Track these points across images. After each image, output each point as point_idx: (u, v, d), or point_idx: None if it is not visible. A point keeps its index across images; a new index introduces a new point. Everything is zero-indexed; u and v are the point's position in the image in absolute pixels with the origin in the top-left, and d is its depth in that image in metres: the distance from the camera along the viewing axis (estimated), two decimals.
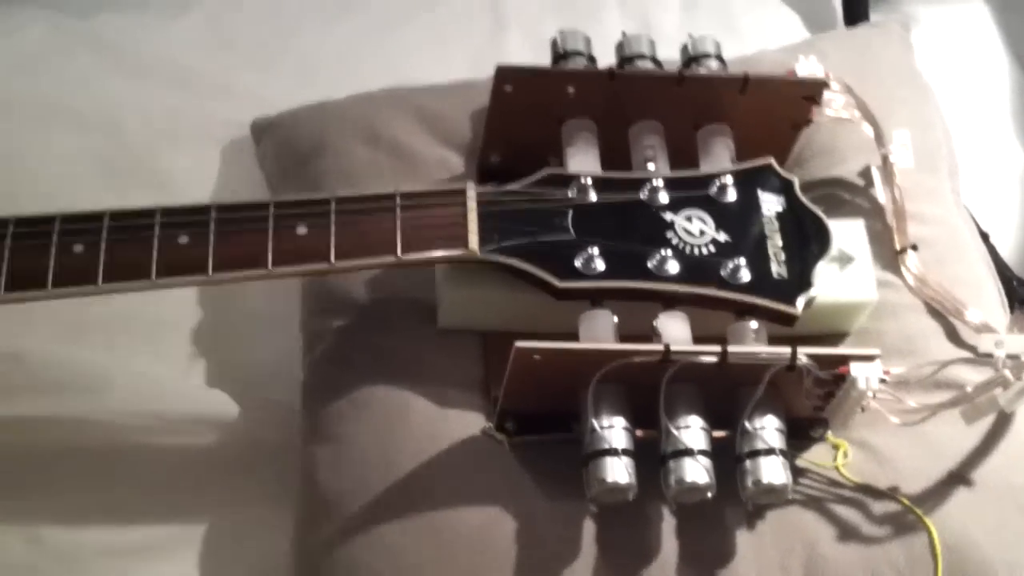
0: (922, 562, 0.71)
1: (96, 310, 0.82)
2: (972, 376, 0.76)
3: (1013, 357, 0.72)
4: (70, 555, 0.78)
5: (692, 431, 0.69)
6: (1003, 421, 0.77)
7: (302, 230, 0.72)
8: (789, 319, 0.73)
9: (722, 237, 0.74)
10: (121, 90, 1.02)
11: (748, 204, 0.76)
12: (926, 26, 1.15)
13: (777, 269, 0.74)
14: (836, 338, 0.81)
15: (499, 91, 0.80)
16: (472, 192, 0.74)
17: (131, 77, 1.03)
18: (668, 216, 0.75)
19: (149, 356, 0.86)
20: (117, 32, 1.07)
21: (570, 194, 0.75)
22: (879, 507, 0.74)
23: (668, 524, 0.72)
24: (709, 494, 0.69)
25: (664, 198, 0.75)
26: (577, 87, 0.80)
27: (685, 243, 0.74)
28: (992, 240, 0.95)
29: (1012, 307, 0.86)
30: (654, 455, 0.70)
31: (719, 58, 0.84)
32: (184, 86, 1.03)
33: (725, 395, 0.71)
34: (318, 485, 0.75)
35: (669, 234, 0.74)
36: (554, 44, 0.84)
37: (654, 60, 0.83)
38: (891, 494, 0.74)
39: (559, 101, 0.80)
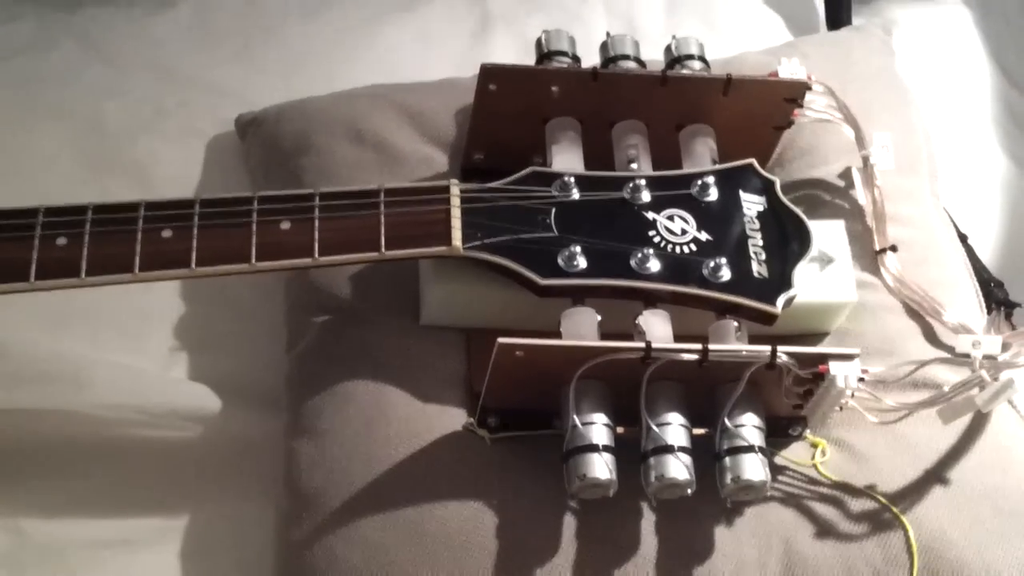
0: (898, 560, 0.72)
1: (79, 303, 0.82)
2: (949, 376, 0.77)
3: (990, 358, 0.73)
4: (51, 547, 0.77)
5: (673, 428, 0.70)
6: (979, 421, 0.78)
7: (286, 225, 0.72)
8: (769, 318, 0.73)
9: (703, 236, 0.75)
10: (105, 84, 1.02)
11: (730, 204, 0.77)
12: (907, 29, 1.16)
13: (758, 269, 0.74)
14: (815, 338, 0.82)
15: (483, 90, 0.80)
16: (456, 189, 0.74)
17: (115, 71, 1.04)
18: (650, 215, 0.75)
19: (132, 349, 0.85)
20: (102, 26, 1.07)
21: (553, 192, 0.75)
22: (856, 505, 0.74)
23: (648, 520, 0.73)
24: (689, 491, 0.69)
25: (646, 197, 0.76)
26: (561, 86, 0.80)
27: (667, 242, 0.74)
28: (970, 242, 0.95)
29: (989, 308, 0.87)
30: (635, 452, 0.70)
31: (702, 59, 0.85)
32: (168, 81, 1.03)
33: (706, 393, 0.72)
34: (299, 480, 0.75)
35: (651, 233, 0.74)
36: (539, 44, 0.84)
37: (638, 60, 0.84)
38: (868, 492, 0.74)
39: (543, 100, 0.80)
